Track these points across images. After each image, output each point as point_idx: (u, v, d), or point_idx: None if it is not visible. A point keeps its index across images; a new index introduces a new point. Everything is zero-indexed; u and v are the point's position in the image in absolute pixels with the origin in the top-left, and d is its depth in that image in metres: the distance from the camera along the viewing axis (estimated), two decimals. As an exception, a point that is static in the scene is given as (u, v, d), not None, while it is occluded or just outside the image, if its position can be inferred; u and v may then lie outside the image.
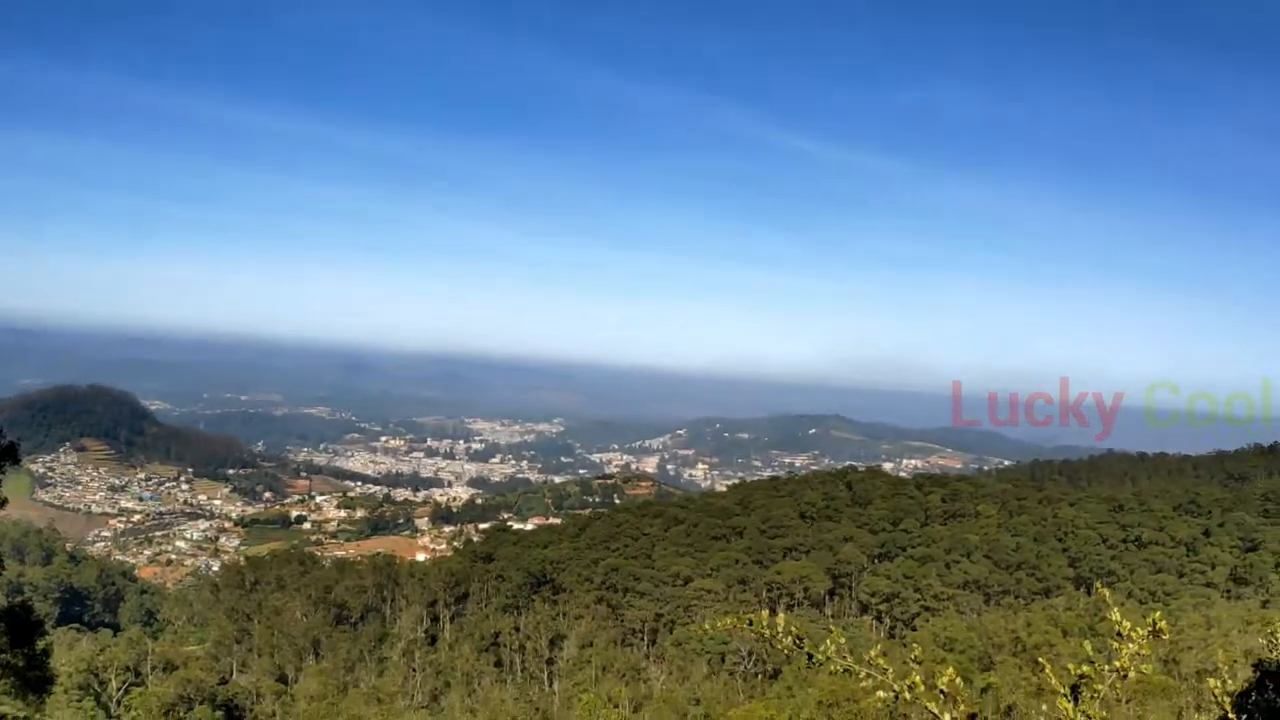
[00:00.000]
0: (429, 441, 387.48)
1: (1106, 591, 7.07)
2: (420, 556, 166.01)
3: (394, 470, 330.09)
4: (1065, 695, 6.62)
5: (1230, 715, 7.11)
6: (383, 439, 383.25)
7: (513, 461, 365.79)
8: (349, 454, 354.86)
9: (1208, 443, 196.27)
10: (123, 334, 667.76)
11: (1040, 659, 7.05)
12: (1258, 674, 7.38)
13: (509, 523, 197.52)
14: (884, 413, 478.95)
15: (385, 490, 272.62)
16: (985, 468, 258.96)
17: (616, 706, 66.04)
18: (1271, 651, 8.61)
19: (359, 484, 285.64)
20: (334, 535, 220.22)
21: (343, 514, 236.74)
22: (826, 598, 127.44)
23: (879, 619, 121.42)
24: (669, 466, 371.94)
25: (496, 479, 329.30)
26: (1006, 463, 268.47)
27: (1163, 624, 6.74)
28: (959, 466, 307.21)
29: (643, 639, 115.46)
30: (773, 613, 7.35)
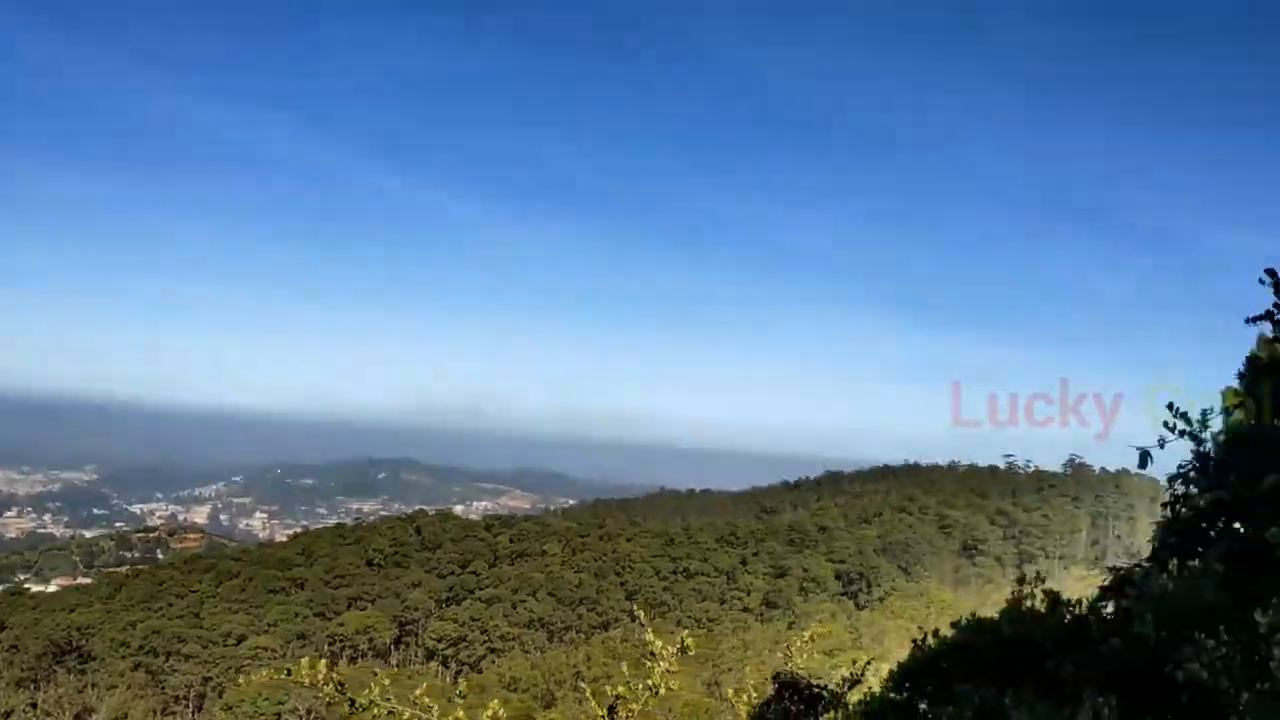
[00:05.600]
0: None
1: (642, 613, 7.54)
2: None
3: None
4: (603, 716, 6.90)
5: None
6: None
7: (32, 515, 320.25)
8: None
9: (746, 479, 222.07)
10: None
11: (586, 688, 7.33)
12: (776, 685, 8.22)
13: (26, 585, 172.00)
14: (456, 454, 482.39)
15: None
16: (551, 507, 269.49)
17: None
18: (787, 664, 9.71)
19: None
20: None
21: None
22: (392, 647, 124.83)
23: (445, 664, 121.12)
24: (222, 517, 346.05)
25: (12, 535, 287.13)
26: (571, 502, 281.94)
27: (689, 641, 7.27)
28: (528, 507, 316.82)
29: (188, 706, 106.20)
30: (333, 666, 6.94)
